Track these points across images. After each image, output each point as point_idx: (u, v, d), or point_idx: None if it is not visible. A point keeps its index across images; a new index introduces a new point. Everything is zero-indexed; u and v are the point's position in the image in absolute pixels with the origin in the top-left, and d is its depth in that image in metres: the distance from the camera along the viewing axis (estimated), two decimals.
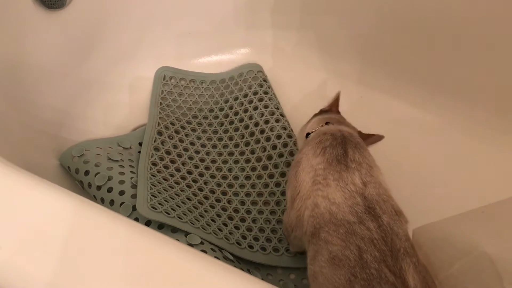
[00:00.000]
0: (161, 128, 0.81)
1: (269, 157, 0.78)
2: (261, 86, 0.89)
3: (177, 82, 0.92)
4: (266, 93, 0.87)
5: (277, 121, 0.82)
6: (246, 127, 0.84)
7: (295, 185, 0.56)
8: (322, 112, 0.74)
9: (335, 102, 0.71)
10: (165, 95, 0.89)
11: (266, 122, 0.82)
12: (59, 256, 0.34)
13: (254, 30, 0.97)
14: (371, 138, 0.65)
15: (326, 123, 0.65)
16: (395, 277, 0.42)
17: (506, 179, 0.71)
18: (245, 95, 0.88)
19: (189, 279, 0.34)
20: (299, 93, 0.92)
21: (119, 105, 0.86)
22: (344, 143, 0.56)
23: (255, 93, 0.88)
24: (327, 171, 0.52)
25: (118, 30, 0.85)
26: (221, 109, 0.89)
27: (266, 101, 0.85)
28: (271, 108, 0.84)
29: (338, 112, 0.74)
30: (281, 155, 0.77)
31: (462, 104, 0.81)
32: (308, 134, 0.65)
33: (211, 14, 0.95)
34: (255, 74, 0.92)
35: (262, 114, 0.83)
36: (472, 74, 0.78)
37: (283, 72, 0.95)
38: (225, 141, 0.84)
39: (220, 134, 0.85)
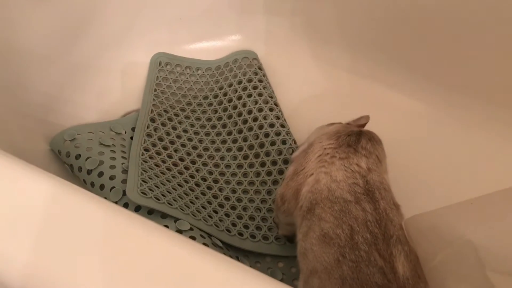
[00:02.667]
0: (154, 115, 0.81)
1: (261, 145, 0.78)
2: (256, 74, 0.88)
3: (173, 69, 0.91)
4: (260, 81, 0.87)
5: (271, 110, 0.81)
6: (240, 114, 0.83)
7: (302, 162, 0.55)
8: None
9: (362, 125, 0.70)
10: (160, 81, 0.88)
11: (260, 110, 0.82)
12: (38, 237, 0.34)
13: (247, 16, 0.96)
14: (358, 122, 0.66)
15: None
16: (384, 262, 0.41)
17: (498, 169, 0.71)
18: (239, 82, 0.88)
19: (171, 263, 0.34)
20: (290, 80, 0.91)
21: (110, 90, 0.85)
22: (360, 134, 0.55)
23: (249, 81, 0.87)
24: (335, 150, 0.52)
25: (109, 15, 0.84)
26: (215, 96, 0.88)
27: (260, 89, 0.85)
28: (265, 96, 0.84)
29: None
30: (273, 143, 0.77)
31: (454, 93, 0.80)
32: None
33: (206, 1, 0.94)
34: (250, 62, 0.91)
35: (256, 102, 0.83)
36: (464, 63, 0.78)
37: (275, 59, 0.94)
38: (219, 128, 0.83)
39: (214, 121, 0.85)
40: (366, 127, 0.68)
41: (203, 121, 0.85)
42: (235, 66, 0.91)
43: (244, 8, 0.96)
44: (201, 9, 0.94)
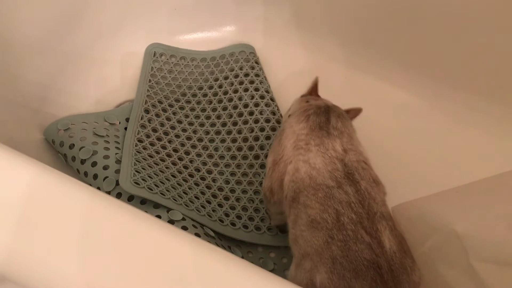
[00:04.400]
0: (148, 106, 0.81)
1: (256, 138, 0.78)
2: (253, 68, 0.88)
3: (167, 59, 0.91)
4: (257, 75, 0.87)
5: (267, 105, 0.81)
6: (235, 107, 0.83)
7: (278, 151, 0.57)
8: (302, 97, 0.74)
9: (314, 87, 0.72)
10: (154, 71, 0.88)
11: (256, 105, 0.82)
12: (20, 222, 0.35)
13: (243, 7, 0.95)
14: (350, 113, 0.67)
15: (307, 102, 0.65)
16: (371, 238, 0.43)
17: (483, 159, 0.72)
18: (236, 76, 0.88)
19: (161, 253, 0.34)
20: (286, 73, 0.91)
21: (105, 80, 0.85)
22: (328, 112, 0.57)
23: (246, 75, 0.87)
24: (309, 136, 0.54)
25: (103, 4, 0.84)
26: (211, 87, 0.89)
27: (257, 84, 0.85)
28: (262, 91, 0.84)
29: (318, 96, 0.74)
30: (268, 137, 0.77)
31: (444, 86, 0.81)
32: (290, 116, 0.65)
33: None
34: (247, 55, 0.91)
35: (252, 97, 0.83)
36: (456, 57, 0.78)
37: (271, 51, 0.94)
38: (213, 119, 0.84)
39: (208, 112, 0.85)
40: (358, 119, 0.68)
41: (197, 112, 0.85)
42: (231, 59, 0.91)
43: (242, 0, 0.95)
44: (197, 0, 0.94)
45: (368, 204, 0.46)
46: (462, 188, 0.45)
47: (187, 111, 0.85)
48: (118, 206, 0.39)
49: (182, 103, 0.86)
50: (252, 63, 0.89)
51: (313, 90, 0.73)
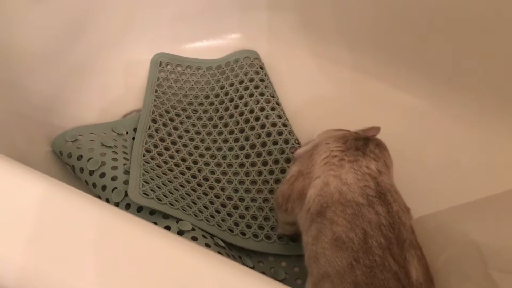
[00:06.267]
0: (155, 115, 0.81)
1: (264, 144, 0.77)
2: (257, 73, 0.88)
3: (173, 69, 0.91)
4: (262, 80, 0.87)
5: (272, 109, 0.81)
6: (241, 113, 0.83)
7: (307, 163, 0.54)
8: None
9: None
10: (161, 81, 0.88)
11: (262, 109, 0.81)
12: (33, 239, 0.34)
13: (248, 14, 0.95)
14: (369, 132, 0.65)
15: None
16: (399, 267, 0.41)
17: (501, 168, 0.71)
18: (241, 82, 0.87)
19: (172, 266, 0.34)
20: (292, 79, 0.91)
21: (111, 89, 0.85)
22: (367, 139, 0.55)
23: (251, 80, 0.87)
24: (343, 153, 0.52)
25: (107, 14, 0.84)
26: (217, 96, 0.88)
27: (262, 88, 0.85)
28: (267, 96, 0.83)
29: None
30: (275, 142, 0.76)
31: (455, 90, 0.80)
32: None
33: None
34: (252, 61, 0.91)
35: (258, 102, 0.83)
36: (465, 60, 0.77)
37: (276, 58, 0.94)
38: (220, 128, 0.83)
39: (215, 120, 0.85)
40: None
41: (205, 121, 0.85)
42: (236, 66, 0.91)
43: (245, 6, 0.95)
44: (201, 7, 0.94)
45: (398, 229, 0.44)
46: (482, 200, 0.44)
47: (194, 120, 0.84)
48: (129, 220, 0.38)
49: (189, 112, 0.85)
50: (257, 68, 0.89)
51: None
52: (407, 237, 0.44)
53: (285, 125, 0.79)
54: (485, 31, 0.73)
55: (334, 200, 0.47)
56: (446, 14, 0.75)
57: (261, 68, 0.90)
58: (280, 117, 0.80)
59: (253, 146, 0.79)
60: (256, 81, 0.86)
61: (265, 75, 0.89)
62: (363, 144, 0.53)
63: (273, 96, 0.84)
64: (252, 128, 0.80)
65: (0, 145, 0.60)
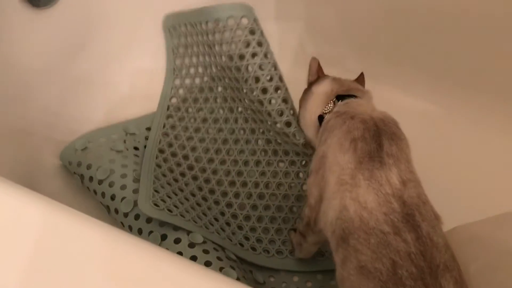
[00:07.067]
0: (171, 111, 0.79)
1: (275, 152, 0.74)
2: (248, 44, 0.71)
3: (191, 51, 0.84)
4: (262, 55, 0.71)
5: (288, 124, 0.69)
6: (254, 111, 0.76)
7: (321, 184, 0.50)
8: (312, 84, 0.63)
9: (318, 68, 0.63)
10: (176, 55, 0.86)
11: (277, 116, 0.71)
12: (28, 265, 0.33)
13: None
14: (359, 81, 0.63)
15: (339, 99, 0.56)
16: None
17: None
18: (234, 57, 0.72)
19: None
20: (301, 89, 0.88)
21: (115, 102, 0.83)
22: (379, 134, 0.47)
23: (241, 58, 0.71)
24: (356, 170, 0.45)
25: (110, 26, 0.82)
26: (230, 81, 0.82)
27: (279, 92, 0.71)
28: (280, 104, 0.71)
29: (326, 75, 0.65)
30: (286, 153, 0.73)
31: (465, 93, 0.79)
32: (321, 117, 0.57)
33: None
34: (239, 22, 0.72)
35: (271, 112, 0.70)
36: (475, 62, 0.76)
37: (285, 67, 0.91)
38: (237, 122, 0.79)
39: (235, 113, 0.79)
40: None
41: (225, 112, 0.80)
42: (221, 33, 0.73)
43: None
44: None
45: (430, 254, 0.40)
46: None
47: (213, 107, 0.81)
48: (134, 244, 0.37)
49: (206, 93, 0.82)
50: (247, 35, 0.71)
51: (319, 71, 0.65)
52: (440, 260, 0.40)
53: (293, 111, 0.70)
54: (498, 35, 0.72)
55: (356, 227, 0.43)
56: (455, 18, 0.74)
57: (252, 31, 0.72)
58: (286, 101, 0.70)
59: (265, 152, 0.75)
60: (248, 59, 0.71)
61: (258, 45, 0.72)
62: (377, 146, 0.46)
63: (271, 79, 0.70)
64: (262, 121, 0.75)
65: (4, 160, 0.59)
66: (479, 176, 0.73)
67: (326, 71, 0.86)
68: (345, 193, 0.45)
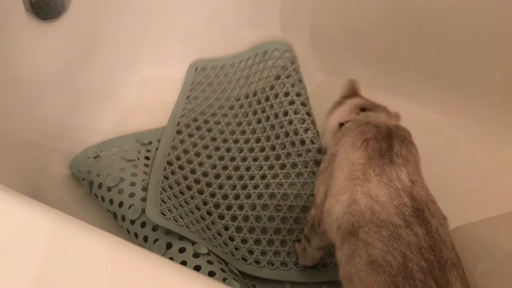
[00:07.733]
0: (180, 127, 0.80)
1: (288, 155, 0.74)
2: (286, 68, 0.83)
3: (207, 73, 0.90)
4: (288, 77, 0.82)
5: (306, 130, 0.75)
6: (267, 118, 0.80)
7: (329, 182, 0.51)
8: (345, 97, 0.66)
9: (356, 87, 0.66)
10: (194, 86, 0.88)
11: (290, 122, 0.76)
12: (35, 277, 0.33)
13: (260, 32, 0.93)
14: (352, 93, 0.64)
15: (363, 110, 0.59)
16: None
17: None
18: (271, 78, 0.84)
19: None
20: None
21: (124, 112, 0.85)
22: (390, 137, 0.49)
23: (277, 78, 0.82)
24: (367, 166, 0.47)
25: (118, 36, 0.83)
26: (247, 97, 0.86)
27: (292, 96, 0.79)
28: (292, 96, 0.79)
29: (360, 96, 0.67)
30: (305, 164, 0.73)
31: (466, 101, 0.80)
32: (342, 124, 0.59)
33: (213, 15, 0.93)
34: (282, 54, 0.86)
35: (286, 113, 0.78)
36: (476, 70, 0.76)
37: None
38: (247, 135, 0.81)
39: (244, 126, 0.82)
40: None
41: (233, 126, 0.83)
42: (264, 60, 0.88)
43: (258, 22, 0.94)
44: (212, 26, 0.94)
45: (439, 249, 0.41)
46: None
47: (222, 126, 0.83)
48: (141, 255, 0.37)
49: (218, 117, 0.84)
50: (286, 63, 0.85)
51: (356, 90, 0.67)
52: (448, 257, 0.41)
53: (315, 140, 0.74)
54: (501, 44, 0.72)
55: (367, 220, 0.44)
56: (455, 27, 0.75)
57: (292, 62, 0.85)
58: (303, 120, 0.75)
59: (278, 157, 0.75)
60: (282, 79, 0.82)
61: (294, 70, 0.83)
62: (388, 146, 0.48)
63: (299, 95, 0.78)
64: (277, 136, 0.78)
65: (13, 171, 0.60)
66: (479, 177, 0.75)
67: (330, 80, 0.88)
68: (356, 188, 0.46)
